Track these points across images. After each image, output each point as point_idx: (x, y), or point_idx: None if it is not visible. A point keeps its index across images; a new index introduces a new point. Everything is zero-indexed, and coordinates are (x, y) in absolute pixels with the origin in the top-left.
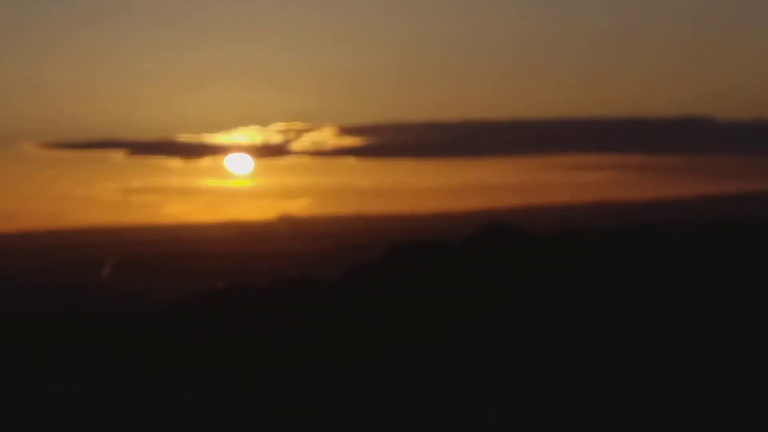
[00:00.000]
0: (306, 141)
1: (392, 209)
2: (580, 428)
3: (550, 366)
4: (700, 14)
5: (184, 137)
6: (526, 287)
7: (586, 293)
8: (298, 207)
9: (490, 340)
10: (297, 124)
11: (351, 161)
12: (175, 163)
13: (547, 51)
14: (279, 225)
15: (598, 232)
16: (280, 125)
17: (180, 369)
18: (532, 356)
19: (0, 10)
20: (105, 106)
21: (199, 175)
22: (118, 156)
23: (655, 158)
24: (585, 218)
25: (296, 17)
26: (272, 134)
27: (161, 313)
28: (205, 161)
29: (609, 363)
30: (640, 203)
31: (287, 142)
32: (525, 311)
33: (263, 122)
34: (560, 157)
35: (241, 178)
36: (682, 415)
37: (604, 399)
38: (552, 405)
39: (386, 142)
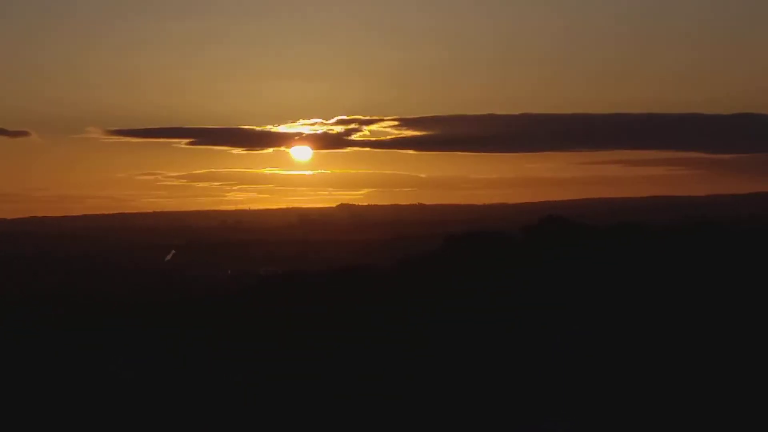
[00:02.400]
0: (366, 132)
1: (451, 200)
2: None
3: (606, 357)
4: (758, 12)
5: (248, 127)
6: (583, 279)
7: (642, 286)
8: (358, 197)
9: (547, 331)
10: (358, 116)
11: (410, 153)
12: (239, 152)
13: (608, 47)
14: (339, 214)
15: (654, 226)
16: (342, 117)
17: (238, 352)
18: (589, 345)
19: (67, 2)
20: (170, 95)
21: (262, 164)
22: (182, 143)
23: (711, 155)
24: (641, 213)
25: (359, 12)
26: (334, 125)
27: (221, 298)
28: (268, 151)
29: (663, 353)
30: (695, 199)
31: (348, 133)
32: (582, 302)
33: (325, 114)
34: (617, 152)
35: (302, 167)
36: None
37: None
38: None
39: (446, 134)
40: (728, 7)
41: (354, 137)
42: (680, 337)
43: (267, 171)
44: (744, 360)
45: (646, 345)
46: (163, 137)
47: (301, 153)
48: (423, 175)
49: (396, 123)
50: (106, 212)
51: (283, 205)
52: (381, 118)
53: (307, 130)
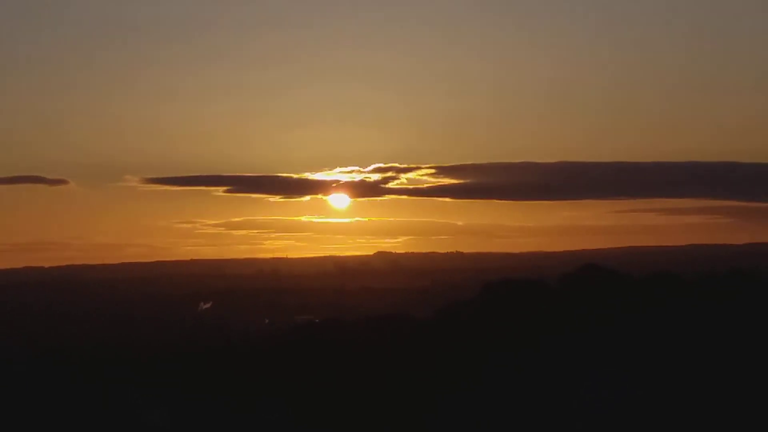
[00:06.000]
0: (404, 180)
1: (488, 248)
2: None
3: (644, 405)
4: None
5: (285, 175)
6: (621, 329)
7: (681, 335)
8: (395, 244)
9: (586, 380)
10: (395, 164)
11: (448, 201)
12: (276, 199)
13: (644, 95)
14: (376, 261)
15: (692, 275)
16: (379, 165)
17: (274, 401)
18: (625, 396)
19: (105, 52)
20: (207, 143)
21: (299, 211)
22: (219, 191)
23: (749, 203)
24: (679, 261)
25: (396, 61)
26: (371, 173)
27: (258, 346)
28: (305, 198)
29: (703, 404)
30: (734, 248)
31: (385, 181)
32: (621, 352)
33: (362, 162)
34: (655, 200)
35: (339, 215)
36: None
37: None
38: None
39: (483, 182)
40: (765, 57)
41: (391, 185)
42: (718, 388)
43: (304, 219)
44: None
45: (682, 396)
46: (201, 185)
47: (339, 201)
48: (460, 223)
49: (433, 171)
50: (144, 260)
51: (320, 253)
52: (418, 166)
53: (344, 177)
